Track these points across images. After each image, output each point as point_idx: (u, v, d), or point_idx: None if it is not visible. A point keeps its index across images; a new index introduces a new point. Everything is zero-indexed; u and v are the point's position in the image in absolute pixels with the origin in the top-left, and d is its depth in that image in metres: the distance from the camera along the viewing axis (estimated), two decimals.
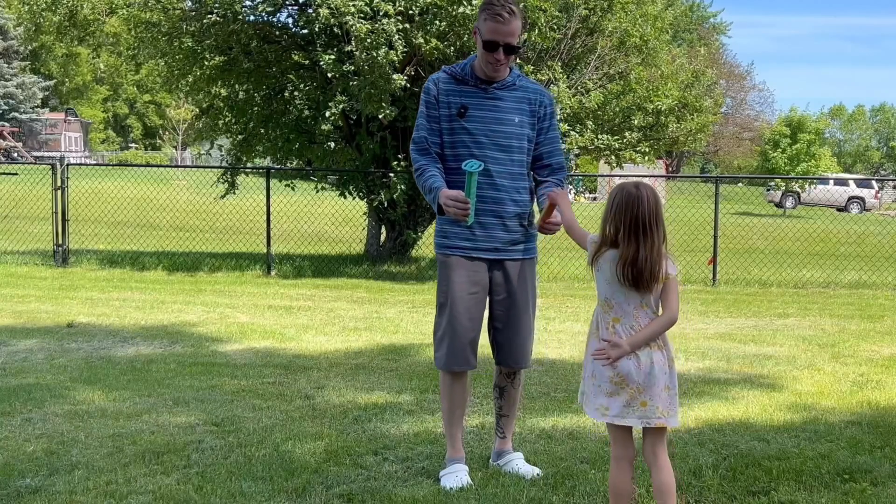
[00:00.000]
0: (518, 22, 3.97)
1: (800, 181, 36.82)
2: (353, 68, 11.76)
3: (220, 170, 14.97)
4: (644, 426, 3.26)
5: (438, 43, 11.85)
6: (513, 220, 4.10)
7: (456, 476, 4.00)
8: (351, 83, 11.89)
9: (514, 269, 4.13)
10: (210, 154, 18.12)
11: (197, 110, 16.33)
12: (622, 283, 3.21)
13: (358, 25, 11.36)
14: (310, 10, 12.36)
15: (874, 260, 14.73)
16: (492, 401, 4.46)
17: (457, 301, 4.03)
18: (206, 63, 13.14)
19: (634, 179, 3.43)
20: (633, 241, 3.16)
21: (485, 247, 4.06)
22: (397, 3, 11.72)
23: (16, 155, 48.98)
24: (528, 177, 4.18)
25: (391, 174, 12.82)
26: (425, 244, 14.70)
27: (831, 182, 39.71)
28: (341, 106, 11.96)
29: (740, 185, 50.87)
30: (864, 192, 40.23)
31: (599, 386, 3.26)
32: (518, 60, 13.07)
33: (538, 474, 4.09)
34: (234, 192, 14.44)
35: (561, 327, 8.69)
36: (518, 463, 4.20)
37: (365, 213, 14.61)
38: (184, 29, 12.97)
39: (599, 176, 29.32)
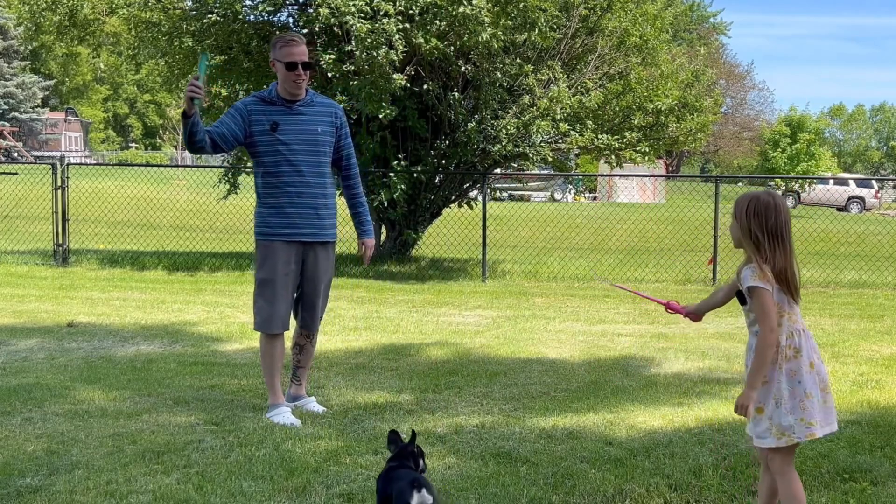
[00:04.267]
0: (305, 46, 5.08)
1: (800, 181, 36.80)
2: (353, 68, 11.76)
3: (221, 170, 14.97)
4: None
5: (438, 42, 11.85)
6: (323, 209, 5.15)
7: (283, 415, 4.95)
8: (351, 83, 11.89)
9: (325, 250, 5.21)
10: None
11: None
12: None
13: (358, 25, 11.36)
14: (310, 10, 12.36)
15: (874, 260, 14.73)
16: (293, 356, 5.40)
17: (278, 278, 5.03)
18: (207, 63, 13.14)
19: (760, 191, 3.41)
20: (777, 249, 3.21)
21: (303, 232, 5.07)
22: (397, 3, 11.72)
23: (16, 154, 48.99)
24: (331, 173, 5.28)
25: (391, 174, 12.82)
26: (425, 244, 14.71)
27: (831, 182, 39.68)
28: (341, 105, 11.95)
29: (740, 184, 50.73)
30: (864, 192, 40.20)
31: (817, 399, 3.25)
32: (518, 60, 13.10)
33: (325, 411, 5.20)
34: (236, 193, 14.45)
35: (561, 327, 8.69)
36: (312, 405, 5.26)
37: None
38: (184, 28, 12.97)
39: (599, 176, 29.32)
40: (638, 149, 14.00)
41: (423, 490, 3.14)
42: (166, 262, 13.43)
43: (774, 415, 3.20)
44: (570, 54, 14.13)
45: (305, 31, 12.96)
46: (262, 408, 5.28)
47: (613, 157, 14.25)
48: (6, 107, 54.09)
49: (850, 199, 39.45)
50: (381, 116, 12.03)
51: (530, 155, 13.38)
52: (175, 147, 63.82)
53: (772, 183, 39.04)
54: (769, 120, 54.06)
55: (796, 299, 3.25)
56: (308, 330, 5.30)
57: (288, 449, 4.44)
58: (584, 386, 6.03)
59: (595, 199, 38.27)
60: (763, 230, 3.19)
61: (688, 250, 14.19)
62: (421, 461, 3.53)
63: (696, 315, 3.80)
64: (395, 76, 11.57)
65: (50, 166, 13.94)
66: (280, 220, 5.05)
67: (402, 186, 12.70)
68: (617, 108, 13.79)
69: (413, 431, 3.66)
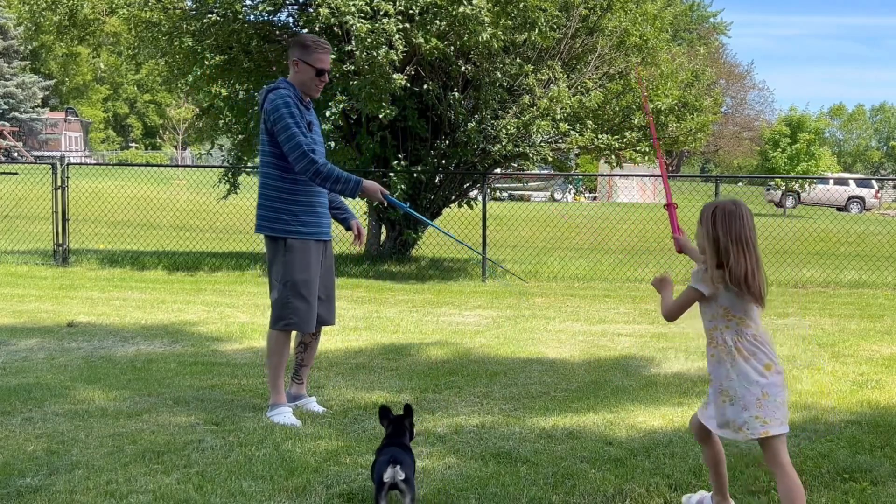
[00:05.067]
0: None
1: (800, 181, 36.81)
2: (353, 68, 11.76)
3: (221, 170, 14.97)
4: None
5: (438, 42, 11.85)
6: (327, 205, 5.23)
7: (284, 415, 4.97)
8: (351, 83, 11.89)
9: (331, 245, 5.32)
10: (211, 154, 18.10)
11: (197, 110, 16.32)
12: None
13: (358, 25, 11.36)
14: (310, 10, 12.35)
15: (874, 260, 14.73)
16: (297, 355, 5.41)
17: (314, 278, 5.10)
18: (207, 62, 13.15)
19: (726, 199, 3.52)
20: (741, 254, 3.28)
21: (326, 230, 5.21)
22: (397, 3, 11.72)
23: (16, 154, 49.00)
24: None
25: (391, 174, 12.82)
26: (425, 244, 14.71)
27: (831, 182, 39.68)
28: (341, 105, 11.96)
29: (740, 184, 50.87)
30: (864, 192, 40.20)
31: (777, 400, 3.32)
32: (518, 60, 13.09)
33: (325, 411, 5.21)
34: (236, 193, 14.45)
35: (560, 327, 8.69)
36: (313, 405, 5.27)
37: (365, 213, 14.61)
38: (184, 28, 12.96)
39: (599, 175, 29.33)
40: (638, 149, 14.00)
41: (398, 467, 3.35)
42: (166, 262, 13.43)
43: (728, 411, 3.33)
44: (570, 54, 14.13)
45: (305, 30, 12.96)
46: (262, 408, 5.28)
47: (613, 156, 14.24)
48: (6, 107, 54.14)
49: (850, 198, 39.47)
50: (381, 116, 12.04)
51: (530, 155, 13.38)
52: (175, 147, 63.85)
53: (772, 183, 39.08)
54: (769, 120, 54.12)
55: (759, 304, 3.33)
56: (328, 324, 5.42)
57: (288, 449, 4.44)
58: (584, 386, 6.04)
59: (595, 199, 38.29)
60: (728, 236, 3.30)
61: None
62: (412, 429, 3.83)
63: (680, 245, 3.88)
64: (395, 76, 11.57)
65: (50, 166, 13.94)
66: (313, 220, 5.10)
67: (402, 186, 12.70)
68: (617, 108, 13.80)
69: (406, 404, 3.92)
